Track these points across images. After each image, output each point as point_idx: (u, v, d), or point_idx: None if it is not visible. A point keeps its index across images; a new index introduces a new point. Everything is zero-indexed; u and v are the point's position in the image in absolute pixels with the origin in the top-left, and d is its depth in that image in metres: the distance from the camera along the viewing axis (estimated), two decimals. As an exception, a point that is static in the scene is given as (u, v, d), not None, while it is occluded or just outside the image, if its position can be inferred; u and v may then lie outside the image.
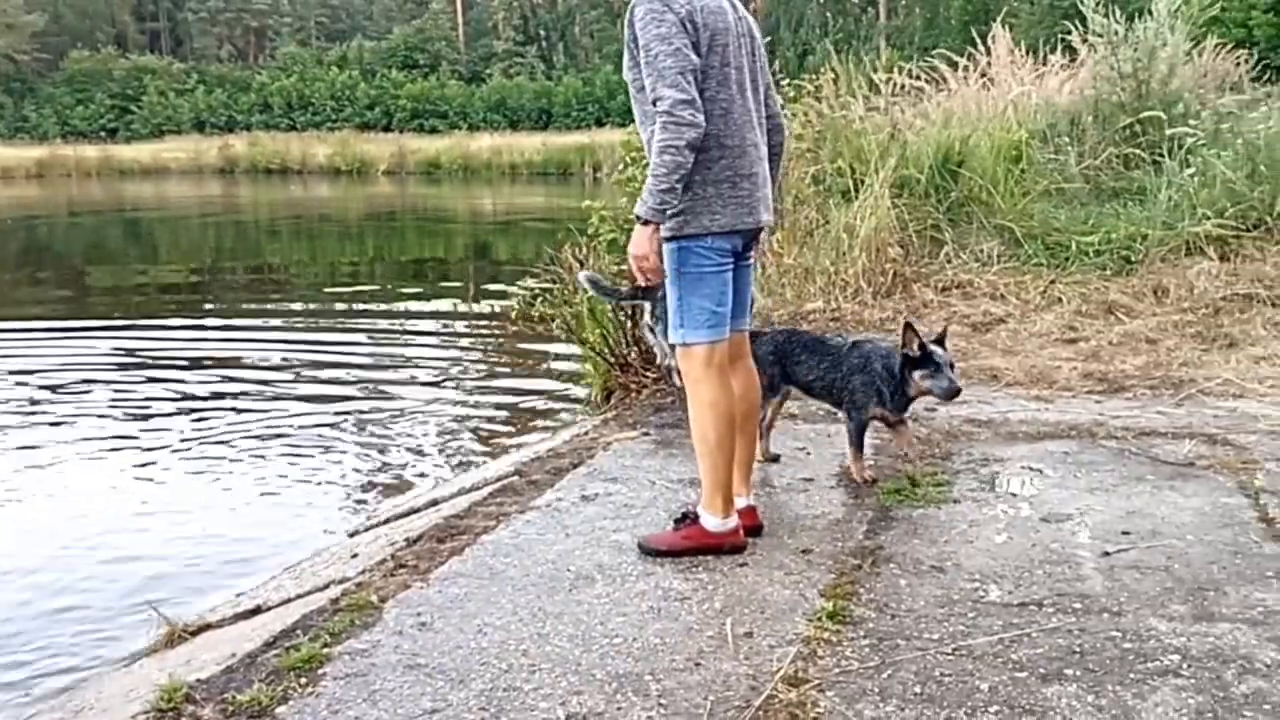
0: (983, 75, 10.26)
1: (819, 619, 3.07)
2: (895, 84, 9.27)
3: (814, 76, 9.60)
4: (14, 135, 57.52)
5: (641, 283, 3.56)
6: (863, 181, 8.29)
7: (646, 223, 3.32)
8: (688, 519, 3.61)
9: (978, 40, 10.73)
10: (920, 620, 3.07)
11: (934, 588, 3.29)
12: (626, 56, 3.44)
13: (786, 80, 9.26)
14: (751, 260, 3.72)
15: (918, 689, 2.69)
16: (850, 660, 2.84)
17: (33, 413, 7.66)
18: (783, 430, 5.07)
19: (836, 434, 5.00)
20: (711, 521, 3.55)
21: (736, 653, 2.90)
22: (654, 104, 3.28)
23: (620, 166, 8.19)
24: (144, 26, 78.16)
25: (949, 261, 7.92)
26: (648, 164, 4.56)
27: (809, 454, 4.73)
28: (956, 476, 4.38)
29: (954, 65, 10.58)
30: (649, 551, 3.60)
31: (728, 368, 3.53)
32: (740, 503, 3.67)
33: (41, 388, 8.31)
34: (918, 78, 9.83)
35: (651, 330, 5.30)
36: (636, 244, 3.36)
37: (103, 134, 58.41)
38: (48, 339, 10.71)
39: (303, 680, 2.81)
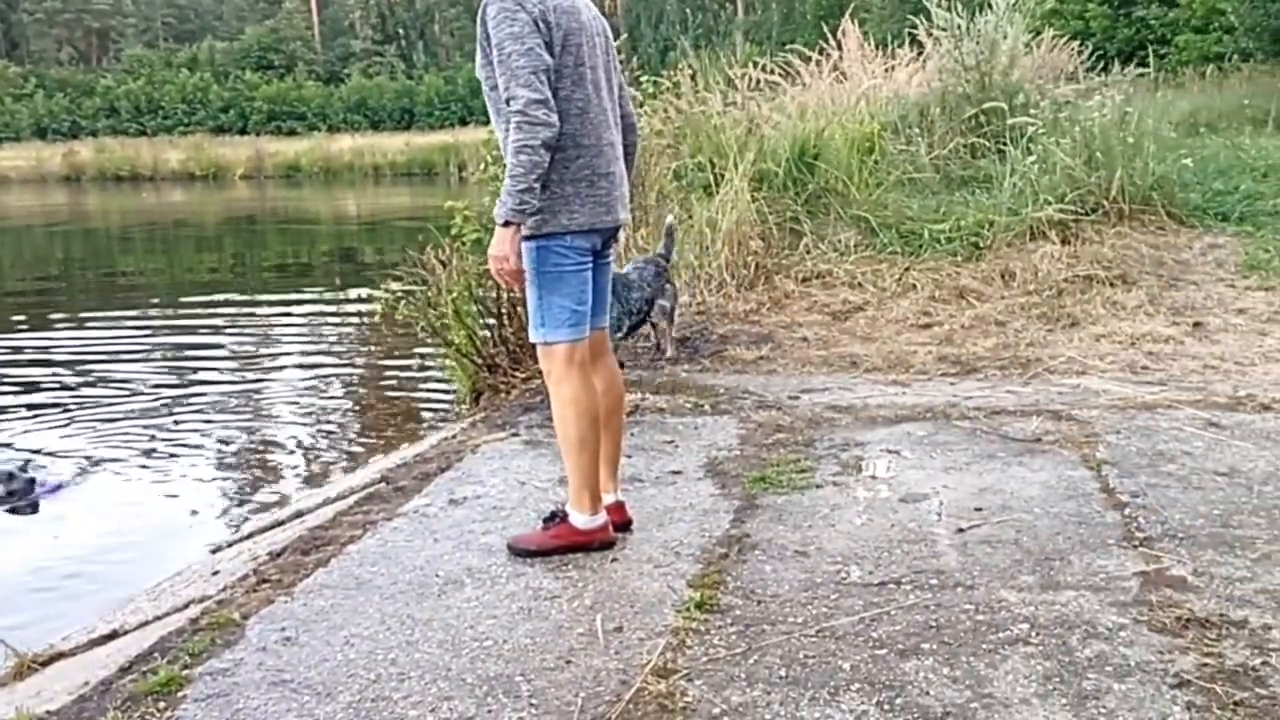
0: (835, 69, 10.52)
1: (687, 609, 3.12)
2: (752, 79, 9.43)
3: (674, 73, 9.71)
4: None
5: (504, 284, 3.51)
6: (723, 176, 8.41)
7: (507, 224, 3.32)
8: (556, 518, 3.62)
9: (830, 35, 11.00)
10: (785, 605, 3.14)
11: (798, 572, 3.37)
12: (479, 55, 3.42)
13: (646, 77, 9.34)
14: (610, 258, 3.74)
15: (783, 672, 2.75)
16: (718, 648, 2.90)
17: None
18: (650, 424, 5.13)
19: (704, 426, 5.09)
20: (579, 519, 3.57)
21: (607, 648, 2.93)
22: (507, 103, 3.28)
23: (482, 165, 8.14)
24: (-24, 29, 74.20)
25: (808, 252, 8.09)
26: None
27: (676, 446, 4.78)
28: (819, 462, 4.49)
29: (807, 60, 10.83)
30: (518, 552, 3.60)
31: (589, 365, 3.55)
32: (608, 499, 3.70)
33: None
34: (773, 72, 10.01)
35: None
36: (497, 246, 3.36)
37: (-66, 143, 55.30)
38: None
39: (161, 705, 2.73)
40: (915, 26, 11.51)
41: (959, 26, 10.10)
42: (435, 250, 7.52)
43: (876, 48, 11.51)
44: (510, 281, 3.50)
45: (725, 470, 4.43)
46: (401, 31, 69.76)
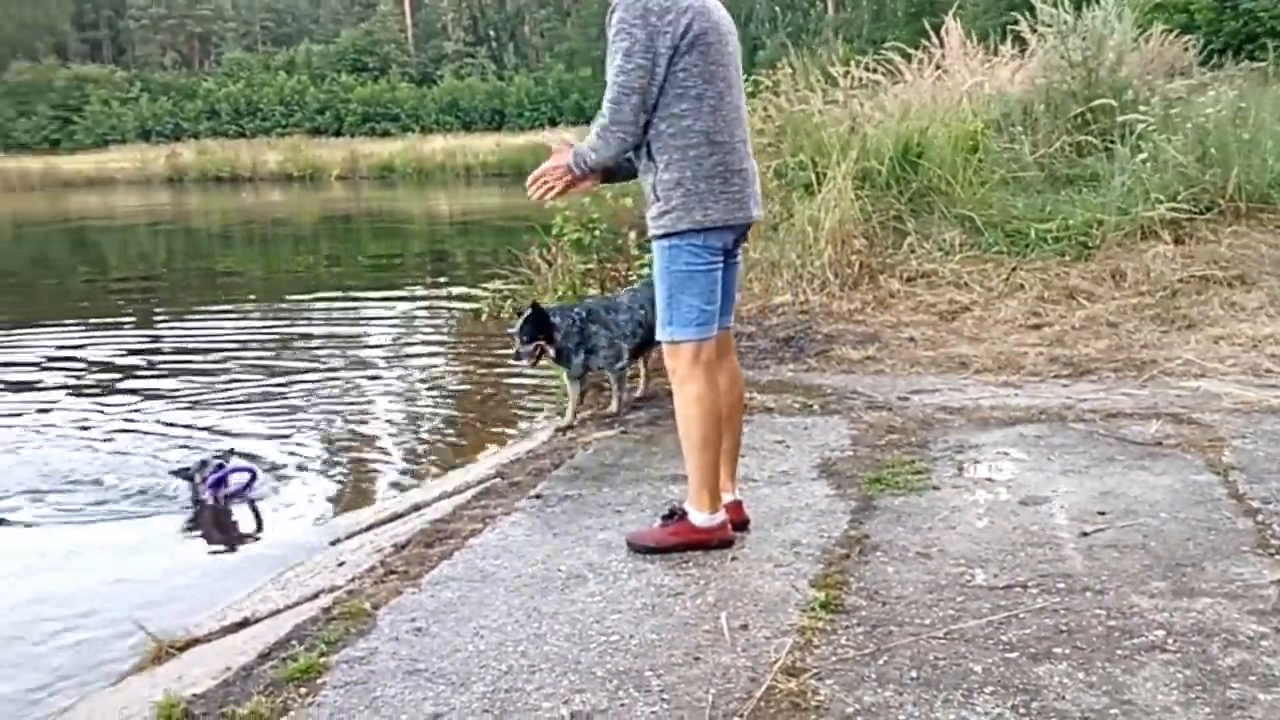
0: (936, 67, 10.38)
1: (812, 609, 3.12)
2: (853, 77, 9.36)
3: (770, 71, 9.68)
4: (-46, 149, 56.48)
5: (528, 188, 3.67)
6: (824, 174, 8.37)
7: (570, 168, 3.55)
8: (675, 515, 3.64)
9: (929, 32, 10.86)
10: (911, 606, 3.12)
11: (921, 574, 3.35)
12: (607, 48, 3.43)
13: (743, 76, 9.32)
14: (739, 257, 3.75)
15: (914, 673, 2.74)
16: (846, 648, 2.89)
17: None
18: (759, 424, 5.13)
19: (814, 426, 5.07)
20: (699, 517, 3.59)
21: (734, 645, 2.94)
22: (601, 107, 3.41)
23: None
24: (85, 35, 76.99)
25: (913, 251, 8.00)
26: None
27: (787, 446, 4.78)
28: (934, 464, 4.44)
29: (908, 57, 10.70)
30: (638, 549, 3.62)
31: (715, 364, 3.57)
32: (727, 498, 3.71)
33: None
34: (874, 70, 9.92)
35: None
36: (550, 166, 3.60)
37: (45, 145, 57.47)
38: (5, 345, 10.54)
39: (302, 690, 2.81)
40: (1015, 22, 11.30)
41: (1065, 22, 9.89)
42: (540, 249, 7.64)
43: (977, 44, 11.31)
44: (535, 190, 3.65)
45: (839, 471, 4.41)
46: (492, 33, 70.60)
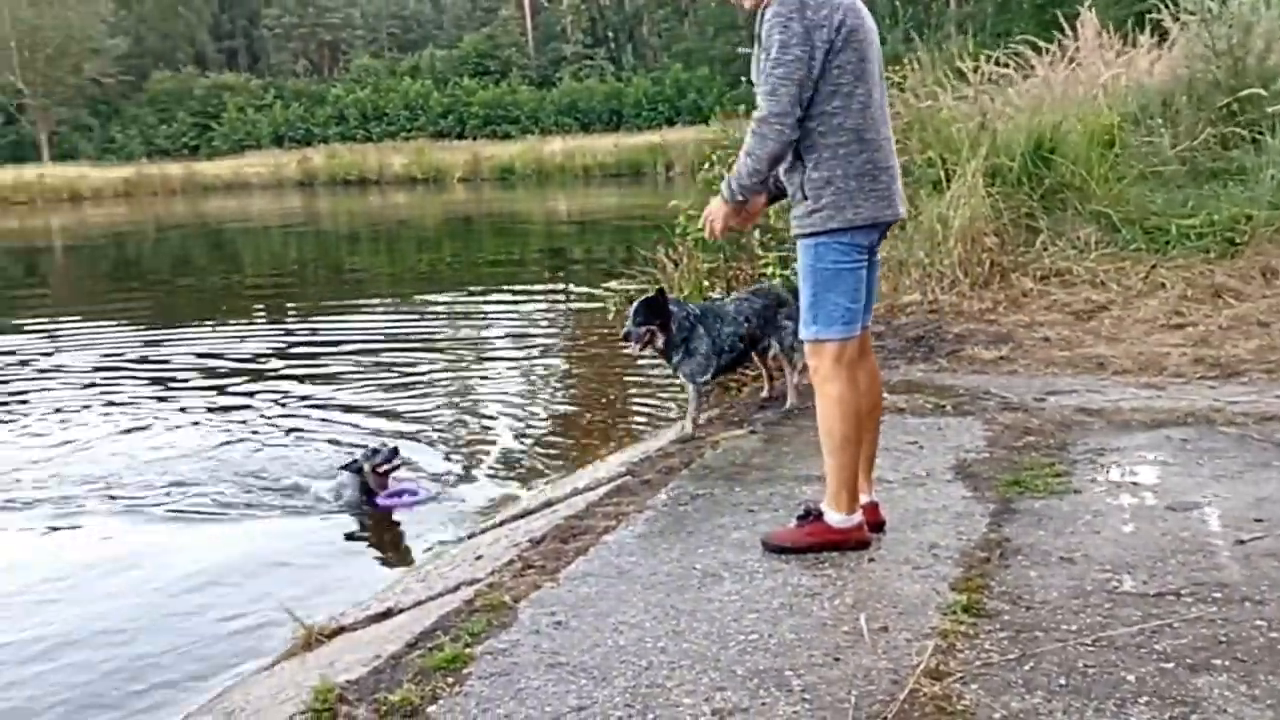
0: (1070, 60, 10.07)
1: (953, 612, 3.07)
2: (982, 72, 9.15)
3: (896, 67, 9.54)
4: (102, 156, 59.28)
5: (706, 234, 3.74)
6: (953, 171, 8.21)
7: (725, 200, 3.53)
8: (811, 515, 3.62)
9: (1063, 23, 10.54)
10: (1056, 612, 3.05)
11: (1065, 579, 3.27)
12: (761, 55, 3.41)
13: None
14: (878, 255, 3.71)
15: (1062, 681, 2.68)
16: (990, 653, 2.84)
17: (133, 409, 7.96)
18: (891, 424, 5.06)
19: (947, 427, 4.99)
20: (835, 518, 3.56)
21: (874, 647, 2.91)
22: (757, 105, 3.35)
23: (705, 165, 8.23)
24: (222, 45, 79.98)
25: (1046, 249, 7.80)
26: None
27: (921, 448, 4.71)
28: (1074, 466, 4.33)
29: (1038, 50, 10.42)
30: (773, 548, 3.62)
31: (857, 364, 3.54)
32: (863, 499, 3.68)
33: (137, 383, 8.59)
34: (1005, 65, 9.68)
35: None
36: (713, 208, 3.61)
37: (185, 151, 59.98)
38: (151, 341, 11.03)
39: (449, 680, 2.89)
40: (1150, 10, 10.91)
41: (1208, 9, 9.51)
42: (666, 249, 7.67)
43: (1112, 34, 10.94)
44: (711, 234, 3.72)
45: (975, 473, 4.33)
46: (611, 34, 71.08)
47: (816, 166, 3.39)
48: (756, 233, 7.86)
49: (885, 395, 5.46)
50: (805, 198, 3.43)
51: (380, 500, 5.68)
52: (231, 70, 72.18)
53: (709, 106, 52.70)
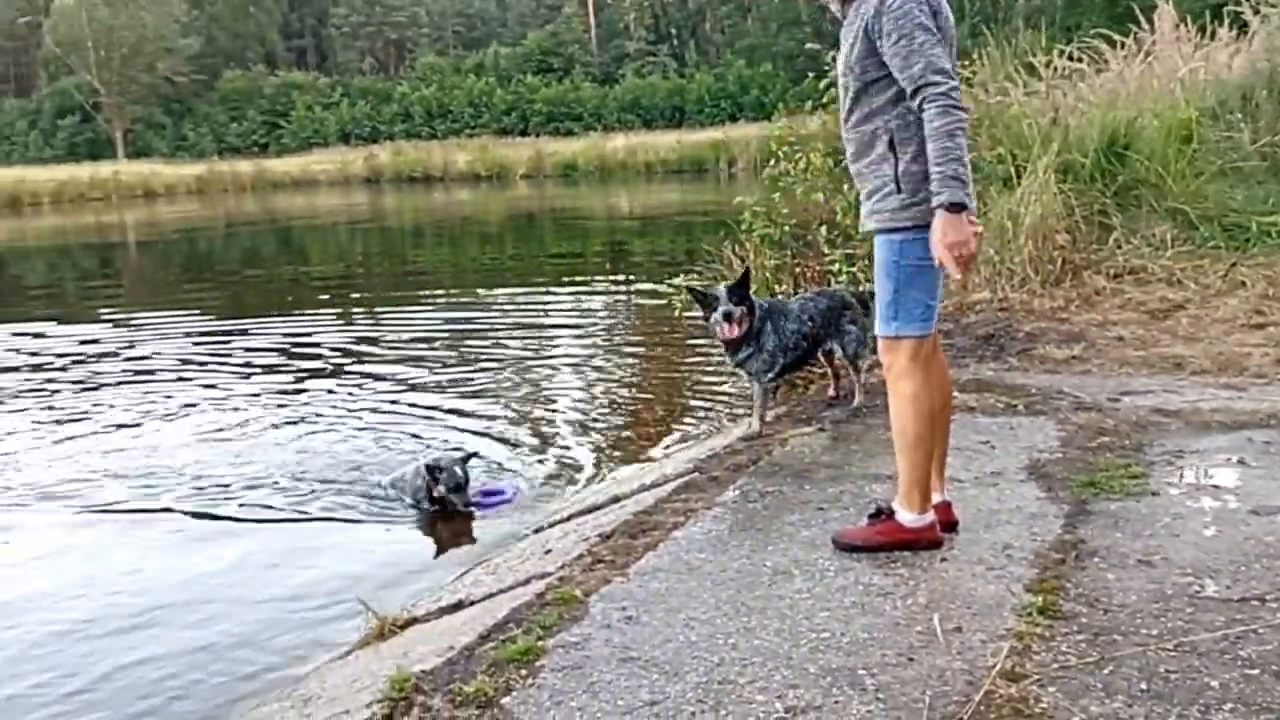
0: (1145, 54, 9.87)
1: (1028, 614, 3.03)
2: (1055, 66, 9.01)
3: (965, 62, 9.42)
4: (174, 154, 60.66)
5: (956, 274, 3.30)
6: (1023, 168, 8.09)
7: (957, 208, 3.17)
8: (882, 514, 3.60)
9: (1139, 16, 10.34)
10: (1135, 616, 3.00)
11: (1145, 582, 3.21)
12: (859, 46, 3.34)
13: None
14: None
15: (1143, 685, 2.63)
16: (1067, 655, 2.80)
17: (205, 401, 8.13)
18: (962, 423, 5.01)
19: (1019, 426, 4.93)
20: (907, 517, 3.54)
21: (948, 647, 2.89)
22: (919, 90, 3.20)
23: (772, 162, 8.19)
24: (291, 44, 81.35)
25: (1119, 247, 7.66)
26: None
27: (993, 447, 4.65)
28: (1151, 468, 4.25)
29: (1112, 44, 10.23)
30: (844, 547, 3.60)
31: (931, 361, 3.51)
32: (936, 498, 3.65)
33: (214, 372, 8.76)
34: (1079, 59, 9.51)
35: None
36: (955, 231, 3.18)
37: (255, 149, 61.07)
38: (220, 334, 11.25)
39: (522, 672, 2.91)
40: (1231, 2, 10.66)
41: (1292, 0, 9.28)
42: (732, 245, 7.66)
43: (1190, 28, 10.71)
44: (966, 268, 3.31)
45: (1049, 473, 4.27)
46: (674, 31, 71.03)
47: (916, 159, 3.29)
48: (823, 229, 7.84)
49: (955, 394, 5.42)
50: (900, 190, 3.34)
51: (470, 499, 5.60)
52: (300, 69, 73.39)
53: (772, 103, 52.60)
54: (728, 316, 5.05)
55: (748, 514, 4.06)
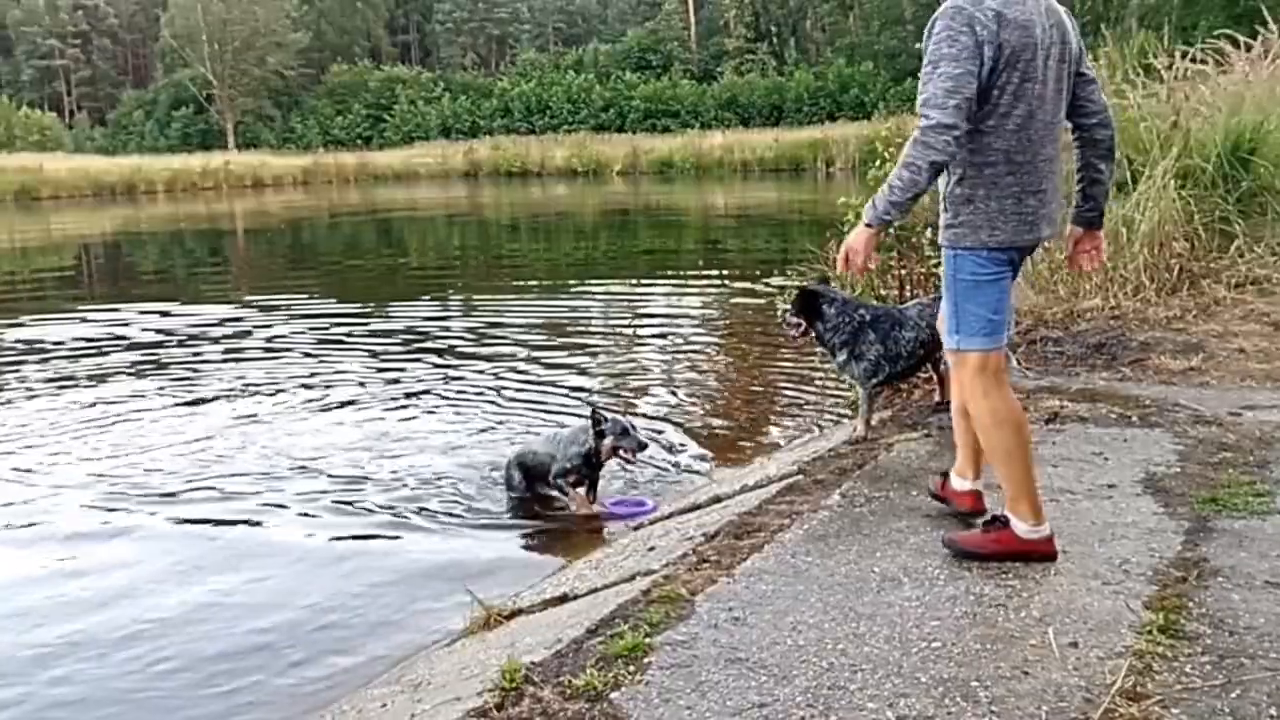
0: (1275, 56, 9.50)
1: (1148, 632, 2.95)
2: (1176, 68, 8.73)
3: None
4: (282, 145, 62.27)
5: (839, 270, 3.65)
6: (1140, 172, 7.87)
7: (869, 225, 3.41)
8: (998, 522, 3.54)
9: (1266, 16, 9.96)
10: (1264, 639, 2.90)
11: (1273, 604, 3.10)
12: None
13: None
14: (1019, 271, 3.65)
15: (1273, 711, 2.54)
16: (1192, 677, 2.72)
17: (312, 387, 8.33)
18: (1073, 434, 4.90)
19: (1133, 439, 4.80)
20: (1021, 528, 3.47)
21: (1064, 663, 2.82)
22: (920, 117, 3.27)
23: (877, 163, 8.09)
24: (396, 39, 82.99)
25: (1241, 255, 7.40)
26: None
27: (1106, 459, 4.54)
28: (1277, 486, 4.10)
29: (1236, 44, 9.88)
30: (958, 552, 3.55)
31: (1003, 373, 3.49)
32: (964, 484, 3.83)
33: (319, 358, 8.97)
34: (1202, 61, 9.20)
35: None
36: (853, 238, 3.48)
37: (359, 142, 62.34)
38: (319, 319, 11.51)
39: (630, 669, 2.92)
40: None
41: None
42: (837, 244, 7.58)
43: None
44: (855, 271, 3.61)
45: (1166, 487, 4.15)
46: (774, 29, 70.60)
47: (960, 182, 3.38)
48: (928, 231, 7.72)
49: (1066, 404, 5.37)
50: (947, 210, 3.43)
51: (610, 508, 5.54)
52: (404, 64, 74.75)
53: (872, 102, 52.08)
54: (784, 323, 5.28)
55: (854, 519, 4.02)
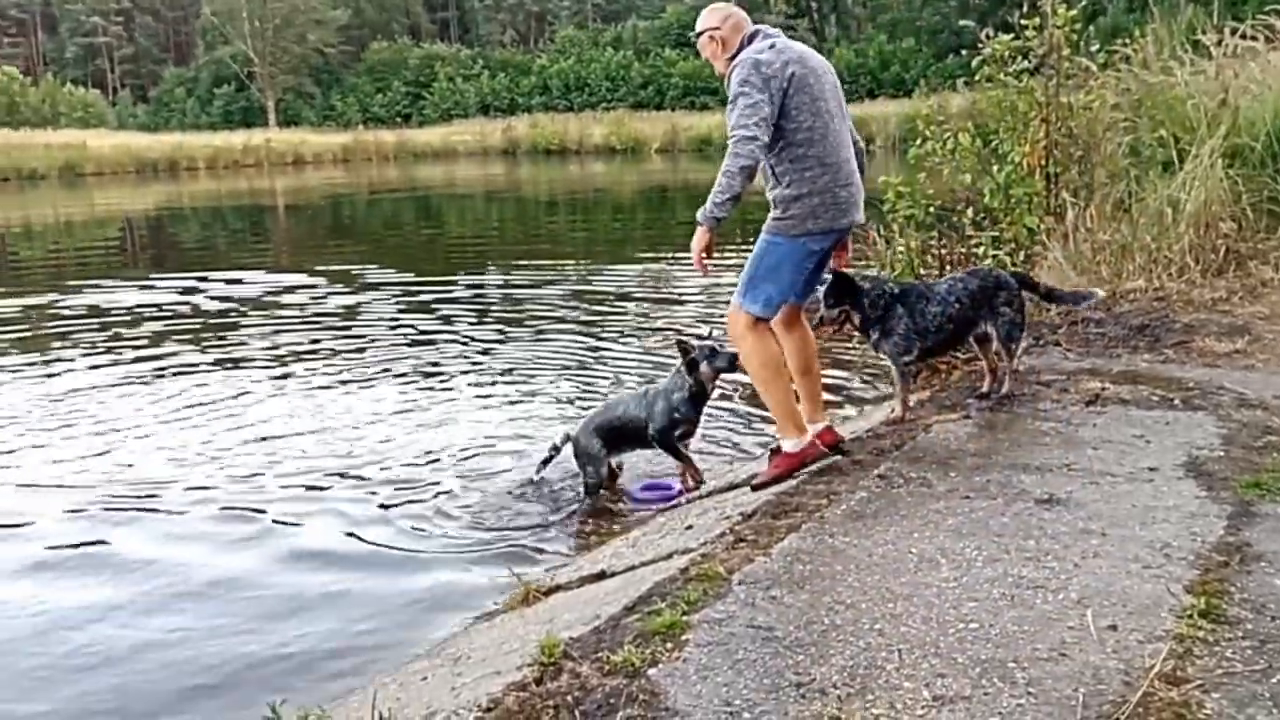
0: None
1: (1189, 616, 2.93)
2: (1227, 45, 8.57)
3: (1125, 40, 9.05)
4: (323, 123, 62.55)
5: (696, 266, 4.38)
6: (1186, 151, 7.76)
7: (700, 223, 4.27)
8: (776, 451, 4.57)
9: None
10: (1307, 625, 2.88)
11: (1317, 591, 3.08)
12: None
13: (1098, 46, 8.76)
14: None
15: (1315, 697, 2.53)
16: (1232, 662, 2.70)
17: (357, 367, 8.41)
18: (1114, 415, 4.87)
19: (1175, 421, 4.75)
20: (789, 444, 4.49)
21: (1102, 645, 2.82)
22: (730, 136, 4.17)
23: (920, 141, 8.03)
24: (435, 16, 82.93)
25: (1289, 236, 7.28)
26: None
27: (1148, 442, 4.50)
28: (1322, 471, 4.05)
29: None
30: (759, 487, 4.44)
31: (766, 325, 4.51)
32: (818, 426, 4.65)
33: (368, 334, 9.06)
34: (1252, 38, 9.03)
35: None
36: (694, 241, 4.32)
37: (398, 120, 62.50)
38: (373, 292, 11.60)
39: (668, 645, 2.95)
40: None
41: None
42: (877, 226, 7.55)
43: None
44: (701, 270, 4.40)
45: (1209, 471, 4.11)
46: (814, 5, 69.90)
47: (788, 185, 4.34)
48: (969, 211, 7.67)
49: (1108, 385, 5.34)
50: (776, 207, 4.40)
51: (638, 494, 5.46)
52: (443, 41, 74.76)
53: (913, 79, 51.52)
54: (820, 322, 5.10)
55: (891, 499, 4.02)
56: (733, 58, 4.38)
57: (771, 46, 4.32)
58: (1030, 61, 7.69)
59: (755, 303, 4.42)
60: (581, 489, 5.50)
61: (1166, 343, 6.11)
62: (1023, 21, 7.73)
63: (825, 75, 4.40)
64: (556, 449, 5.63)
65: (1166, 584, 3.16)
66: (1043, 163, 7.85)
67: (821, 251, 4.50)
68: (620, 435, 5.47)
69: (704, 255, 4.31)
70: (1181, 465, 4.21)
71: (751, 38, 4.43)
